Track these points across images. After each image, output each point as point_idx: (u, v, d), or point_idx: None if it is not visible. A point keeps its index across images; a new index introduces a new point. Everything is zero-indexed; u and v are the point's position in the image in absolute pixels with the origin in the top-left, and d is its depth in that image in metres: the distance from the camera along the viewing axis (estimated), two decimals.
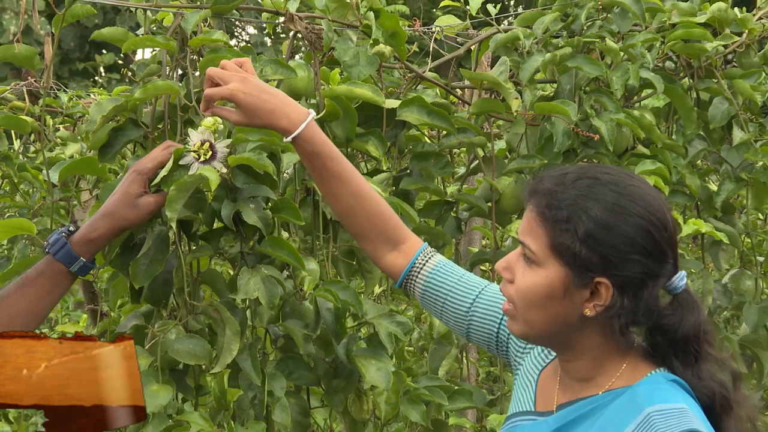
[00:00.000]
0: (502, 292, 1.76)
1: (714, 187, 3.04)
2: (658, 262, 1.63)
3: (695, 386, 1.66)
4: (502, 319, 1.95)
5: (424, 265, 2.01)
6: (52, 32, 3.21)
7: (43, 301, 2.07)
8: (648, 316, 1.65)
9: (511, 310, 1.73)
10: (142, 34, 2.44)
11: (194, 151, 2.09)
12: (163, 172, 2.09)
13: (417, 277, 2.01)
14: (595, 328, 1.68)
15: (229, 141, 2.14)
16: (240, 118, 1.97)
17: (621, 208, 1.63)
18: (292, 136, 1.94)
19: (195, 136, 2.10)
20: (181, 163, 2.11)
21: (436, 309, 2.02)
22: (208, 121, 2.10)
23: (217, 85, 1.97)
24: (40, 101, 3.49)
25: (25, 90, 3.64)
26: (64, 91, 4.03)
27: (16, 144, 3.90)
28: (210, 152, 2.09)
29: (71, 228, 2.11)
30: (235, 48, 2.32)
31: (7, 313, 2.02)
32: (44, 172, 2.88)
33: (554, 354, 1.85)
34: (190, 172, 2.10)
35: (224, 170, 2.14)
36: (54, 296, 2.09)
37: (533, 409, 1.81)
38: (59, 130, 3.86)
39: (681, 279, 1.66)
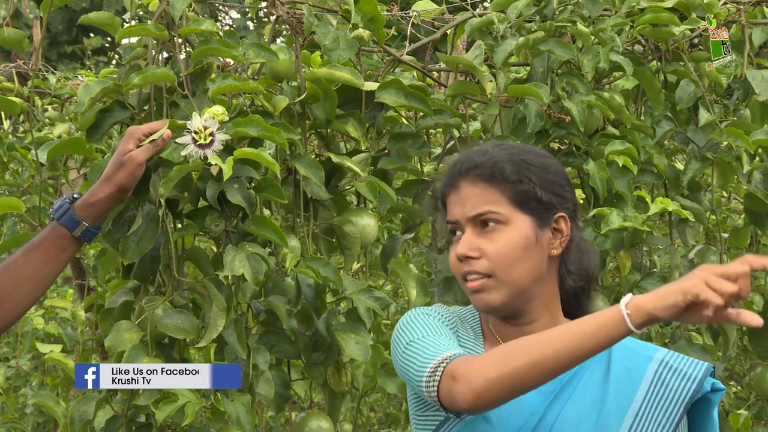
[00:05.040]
0: (472, 273, 1.75)
1: (681, 167, 3.04)
2: (573, 192, 1.84)
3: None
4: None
5: None
6: (40, 16, 3.26)
7: (48, 265, 2.09)
8: (579, 250, 1.83)
9: (488, 282, 1.75)
10: (129, 19, 2.46)
11: (195, 132, 2.10)
12: (155, 136, 2.11)
13: None
14: (551, 275, 1.81)
15: (227, 136, 2.15)
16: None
17: (540, 153, 1.83)
18: None
19: (198, 120, 2.11)
20: (178, 141, 2.12)
21: None
22: (217, 109, 2.11)
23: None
24: (29, 83, 3.54)
25: (14, 72, 3.65)
26: (53, 73, 4.01)
27: (6, 124, 3.88)
28: (209, 139, 2.11)
29: (75, 195, 2.14)
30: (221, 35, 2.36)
31: (14, 276, 2.06)
32: (33, 151, 2.91)
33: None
34: (183, 152, 2.12)
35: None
36: (59, 261, 2.12)
37: None
38: (48, 110, 3.85)
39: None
